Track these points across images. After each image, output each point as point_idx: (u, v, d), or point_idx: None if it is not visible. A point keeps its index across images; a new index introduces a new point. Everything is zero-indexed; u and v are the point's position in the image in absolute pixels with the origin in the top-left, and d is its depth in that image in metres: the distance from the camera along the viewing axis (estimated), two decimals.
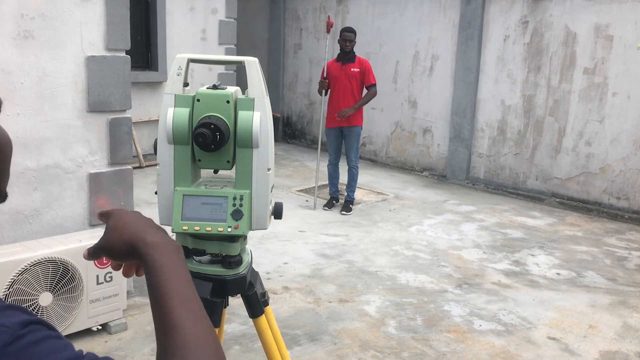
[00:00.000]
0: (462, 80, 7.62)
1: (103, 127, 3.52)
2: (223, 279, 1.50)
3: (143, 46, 8.08)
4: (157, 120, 3.84)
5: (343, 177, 6.42)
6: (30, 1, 3.12)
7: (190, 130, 1.40)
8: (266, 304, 1.64)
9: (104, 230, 0.92)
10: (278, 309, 3.80)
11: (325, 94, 6.23)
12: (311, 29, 9.68)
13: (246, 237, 1.54)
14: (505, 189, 7.33)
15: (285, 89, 10.31)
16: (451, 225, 5.88)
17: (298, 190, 6.98)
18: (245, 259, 1.57)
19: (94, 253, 0.92)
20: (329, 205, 6.30)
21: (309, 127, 9.98)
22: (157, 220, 1.54)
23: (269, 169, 1.46)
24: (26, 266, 2.87)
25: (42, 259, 2.93)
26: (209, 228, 1.41)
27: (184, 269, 0.83)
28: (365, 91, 6.14)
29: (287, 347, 1.98)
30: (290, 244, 5.10)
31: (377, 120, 8.71)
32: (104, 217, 0.94)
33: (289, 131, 10.35)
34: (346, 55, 6.04)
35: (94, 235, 3.29)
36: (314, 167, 7.48)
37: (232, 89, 1.45)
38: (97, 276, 3.21)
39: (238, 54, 8.81)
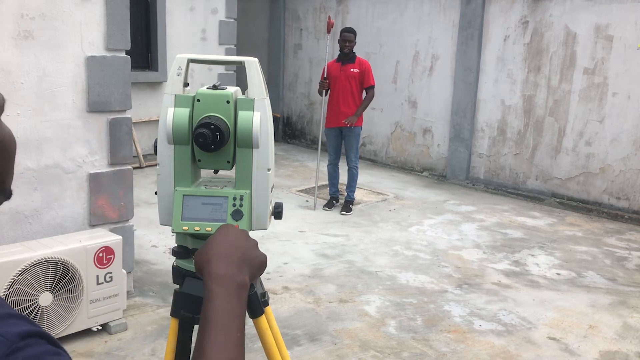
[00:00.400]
0: (462, 80, 7.62)
1: (103, 127, 3.52)
2: None
3: (143, 46, 8.08)
4: (157, 120, 3.84)
5: (343, 177, 6.42)
6: (30, 1, 3.12)
7: (190, 130, 1.40)
8: (266, 304, 1.64)
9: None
10: (278, 309, 3.80)
11: (326, 95, 6.23)
12: (311, 29, 9.68)
13: None
14: (505, 189, 7.33)
15: (285, 89, 10.31)
16: (451, 225, 5.88)
17: (298, 190, 6.98)
18: None
19: None
20: (329, 205, 6.30)
21: (309, 127, 9.98)
22: (156, 221, 1.55)
23: (269, 169, 1.46)
24: (26, 266, 2.87)
25: (42, 259, 2.93)
26: (209, 228, 1.41)
27: (238, 307, 0.84)
28: (364, 92, 6.15)
29: (287, 347, 1.98)
30: (290, 244, 5.10)
31: (377, 120, 8.71)
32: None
33: (289, 131, 10.35)
34: (346, 55, 6.04)
35: (94, 235, 3.29)
36: (314, 167, 7.48)
37: (232, 89, 1.45)
38: (97, 276, 3.21)
39: (238, 54, 8.81)
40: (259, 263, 0.96)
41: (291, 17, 10.02)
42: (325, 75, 6.17)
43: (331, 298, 4.05)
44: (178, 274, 1.52)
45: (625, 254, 5.24)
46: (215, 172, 1.54)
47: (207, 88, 1.43)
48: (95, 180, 3.52)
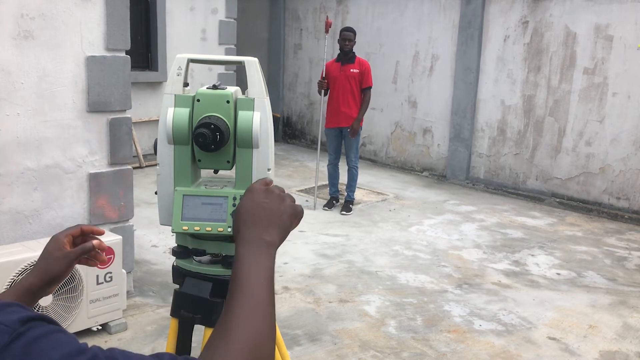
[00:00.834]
0: (462, 80, 7.62)
1: (103, 127, 3.52)
2: (223, 279, 1.50)
3: (143, 46, 8.08)
4: (157, 120, 3.84)
5: (343, 177, 6.42)
6: (30, 1, 3.12)
7: (190, 130, 1.40)
8: None
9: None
10: (278, 309, 3.80)
11: (325, 94, 6.23)
12: (311, 29, 9.69)
13: None
14: (505, 189, 7.33)
15: (285, 89, 10.31)
16: (451, 225, 5.88)
17: (298, 190, 6.98)
18: None
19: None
20: (329, 205, 6.30)
21: (309, 127, 9.99)
22: (156, 221, 1.55)
23: (269, 169, 1.46)
24: (26, 266, 2.87)
25: None
26: (209, 228, 1.41)
27: (265, 267, 0.87)
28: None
29: (287, 347, 1.98)
30: (290, 244, 5.10)
31: (377, 120, 8.71)
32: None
33: (289, 131, 10.35)
34: (346, 55, 6.04)
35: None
36: (314, 167, 7.48)
37: (232, 89, 1.44)
38: (97, 276, 3.21)
39: (238, 54, 8.80)
40: (289, 217, 0.98)
41: (291, 17, 10.02)
42: (324, 75, 6.17)
43: (331, 298, 4.05)
44: (178, 274, 1.52)
45: (625, 254, 5.24)
46: (215, 172, 1.54)
47: (207, 88, 1.43)
48: (95, 180, 3.52)
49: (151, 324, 3.50)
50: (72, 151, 3.41)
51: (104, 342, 3.26)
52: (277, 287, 4.18)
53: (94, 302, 3.22)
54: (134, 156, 5.00)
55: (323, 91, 6.19)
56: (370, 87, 6.11)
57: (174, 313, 1.56)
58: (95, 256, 1.20)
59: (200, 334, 1.47)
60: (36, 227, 3.33)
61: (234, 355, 0.74)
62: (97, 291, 3.22)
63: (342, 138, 6.22)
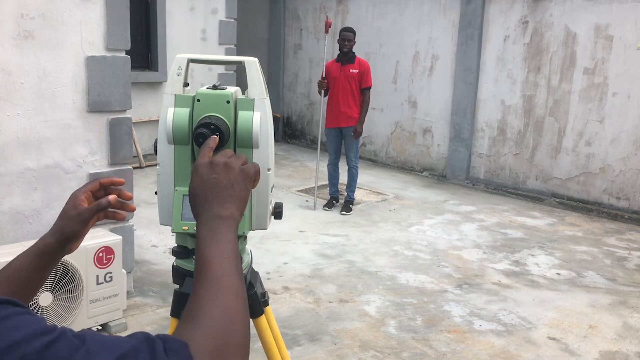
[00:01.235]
0: (462, 80, 7.62)
1: (103, 127, 3.52)
2: None
3: (143, 46, 8.08)
4: (157, 120, 3.84)
5: (343, 177, 6.42)
6: (30, 1, 3.12)
7: (190, 130, 1.40)
8: (266, 304, 1.63)
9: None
10: (278, 309, 3.80)
11: (325, 95, 6.23)
12: (311, 29, 9.69)
13: (246, 237, 1.54)
14: (505, 189, 7.33)
15: (285, 89, 10.31)
16: (451, 225, 5.88)
17: (298, 190, 6.98)
18: (246, 259, 1.57)
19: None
20: (329, 205, 6.30)
21: (309, 127, 9.99)
22: (156, 221, 1.55)
23: (269, 169, 1.46)
24: None
25: None
26: None
27: (225, 241, 0.86)
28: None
29: (287, 347, 1.98)
30: (290, 244, 5.10)
31: (377, 120, 8.71)
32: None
33: (289, 131, 10.35)
34: (346, 55, 6.04)
35: (94, 235, 3.29)
36: (314, 167, 7.48)
37: (232, 89, 1.45)
38: (97, 276, 3.21)
39: (238, 54, 8.81)
40: (242, 183, 0.95)
41: (291, 17, 10.02)
42: (324, 76, 6.18)
43: (331, 298, 4.05)
44: (178, 274, 1.52)
45: (625, 254, 5.24)
46: None
47: (207, 88, 1.43)
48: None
49: (151, 324, 3.50)
50: (72, 151, 3.41)
51: None
52: (277, 287, 4.18)
53: (94, 302, 3.22)
54: (134, 156, 5.00)
55: (323, 91, 6.19)
56: (370, 88, 6.11)
57: (174, 313, 1.56)
58: (122, 207, 1.16)
59: None
60: (36, 227, 3.33)
61: (202, 331, 0.72)
62: (97, 291, 3.22)
63: (342, 138, 6.22)
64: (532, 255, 5.11)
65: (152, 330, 3.43)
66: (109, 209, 1.12)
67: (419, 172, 8.28)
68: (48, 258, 1.06)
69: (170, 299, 1.54)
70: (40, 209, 3.34)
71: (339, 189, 6.48)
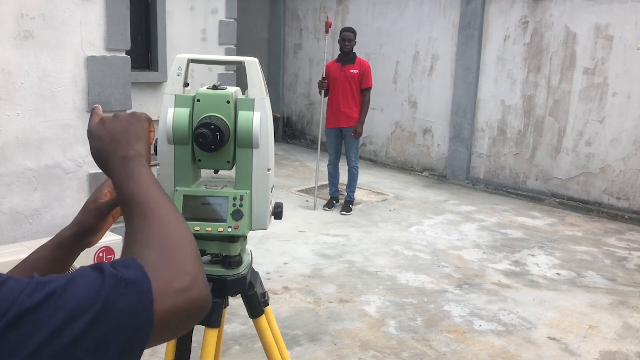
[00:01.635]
0: (462, 80, 7.62)
1: None
2: (223, 279, 1.50)
3: (143, 46, 8.07)
4: (157, 120, 3.84)
5: (343, 177, 6.42)
6: (30, 1, 3.12)
7: (190, 130, 1.40)
8: (266, 304, 1.63)
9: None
10: (278, 309, 3.80)
11: (325, 95, 6.23)
12: (311, 29, 9.68)
13: (246, 237, 1.54)
14: (505, 189, 7.33)
15: (285, 89, 10.31)
16: (451, 225, 5.88)
17: (298, 190, 6.98)
18: (246, 259, 1.57)
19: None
20: (329, 205, 6.30)
21: (309, 127, 9.99)
22: None
23: (269, 169, 1.46)
24: None
25: None
26: (209, 228, 1.41)
27: (139, 174, 0.85)
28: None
29: (287, 347, 1.98)
30: (290, 244, 5.10)
31: (377, 120, 8.71)
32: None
33: (289, 131, 10.35)
34: (346, 55, 6.04)
35: None
36: (314, 167, 7.48)
37: (232, 89, 1.45)
38: None
39: (238, 54, 8.81)
40: (135, 126, 0.93)
41: (291, 17, 10.02)
42: (324, 76, 6.18)
43: (331, 298, 4.05)
44: None
45: (625, 254, 5.24)
46: (216, 172, 1.54)
47: (207, 88, 1.43)
48: (95, 180, 3.52)
49: None
50: (72, 151, 3.41)
51: None
52: (277, 287, 4.18)
53: None
54: None
55: (323, 91, 6.19)
56: (370, 88, 6.11)
57: None
58: None
59: (200, 334, 1.47)
60: (36, 227, 3.33)
61: (143, 245, 0.72)
62: None
63: (342, 138, 6.22)
64: (532, 255, 5.11)
65: None
66: None
67: (419, 172, 8.28)
68: (66, 251, 1.07)
69: None
70: (40, 209, 3.34)
71: (339, 189, 6.48)
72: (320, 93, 6.25)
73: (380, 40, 8.55)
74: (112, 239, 3.28)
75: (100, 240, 3.21)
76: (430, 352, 3.38)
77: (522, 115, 7.13)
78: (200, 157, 1.45)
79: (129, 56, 3.60)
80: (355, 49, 6.13)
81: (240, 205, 1.43)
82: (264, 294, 1.64)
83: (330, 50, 8.45)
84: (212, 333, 1.50)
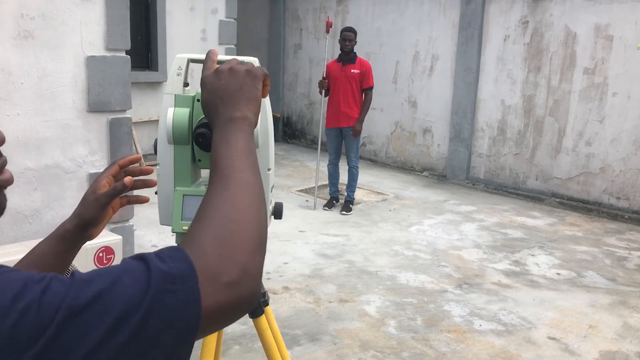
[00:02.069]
0: (462, 80, 7.62)
1: (103, 127, 3.52)
2: None
3: (143, 46, 8.07)
4: (157, 120, 3.84)
5: (343, 177, 6.42)
6: (30, 1, 3.12)
7: (190, 130, 1.40)
8: (266, 304, 1.64)
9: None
10: (278, 309, 3.80)
11: (326, 95, 6.23)
12: (311, 29, 9.69)
13: None
14: (505, 189, 7.33)
15: (285, 89, 10.31)
16: (451, 225, 5.88)
17: (298, 190, 6.98)
18: None
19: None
20: (329, 205, 6.30)
21: (309, 127, 9.99)
22: (156, 221, 1.55)
23: (269, 169, 1.46)
24: None
25: None
26: None
27: (235, 140, 0.83)
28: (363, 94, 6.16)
29: (287, 347, 1.98)
30: (290, 244, 5.10)
31: (377, 120, 8.71)
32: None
33: (289, 131, 10.35)
34: (347, 55, 6.04)
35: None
36: (314, 167, 7.48)
37: None
38: None
39: (238, 54, 8.80)
40: (250, 85, 0.91)
41: (291, 17, 10.02)
42: (324, 75, 6.18)
43: (331, 298, 4.05)
44: None
45: (625, 254, 5.24)
46: None
47: None
48: None
49: None
50: (72, 151, 3.41)
51: None
52: (277, 287, 4.19)
53: None
54: None
55: (324, 91, 6.19)
56: (372, 88, 6.12)
57: None
58: (144, 184, 1.15)
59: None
60: (36, 227, 3.33)
61: (206, 225, 0.70)
62: None
63: (342, 138, 6.22)
64: (532, 255, 5.11)
65: None
66: (131, 195, 1.12)
67: (419, 172, 8.28)
68: (68, 244, 1.06)
69: None
70: (40, 209, 3.34)
71: (339, 189, 6.48)
72: (320, 93, 6.25)
73: (380, 40, 8.55)
74: (112, 238, 3.28)
75: (100, 241, 3.20)
76: (430, 352, 3.38)
77: (522, 115, 7.13)
78: (200, 157, 1.45)
79: (129, 56, 3.60)
80: (355, 49, 6.13)
81: None
82: (264, 294, 1.64)
83: (330, 50, 8.45)
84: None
